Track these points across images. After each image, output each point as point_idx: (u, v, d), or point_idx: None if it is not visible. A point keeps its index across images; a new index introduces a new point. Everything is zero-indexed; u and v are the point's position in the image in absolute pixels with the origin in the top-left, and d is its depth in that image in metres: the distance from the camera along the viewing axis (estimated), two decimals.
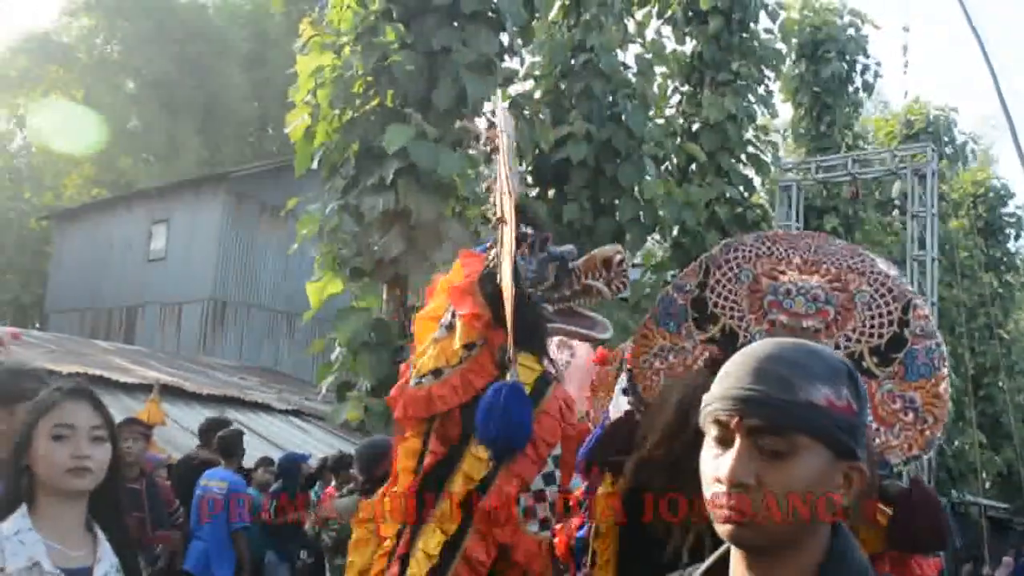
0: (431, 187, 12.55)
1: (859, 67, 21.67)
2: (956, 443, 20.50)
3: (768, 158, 18.13)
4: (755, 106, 18.41)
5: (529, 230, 3.19)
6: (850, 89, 21.50)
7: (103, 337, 19.77)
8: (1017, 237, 27.60)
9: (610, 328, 3.35)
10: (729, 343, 2.71)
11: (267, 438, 11.37)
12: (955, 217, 23.42)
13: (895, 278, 2.70)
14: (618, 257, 3.06)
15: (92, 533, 2.42)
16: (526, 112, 14.62)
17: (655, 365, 2.81)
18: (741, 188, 17.59)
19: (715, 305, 2.78)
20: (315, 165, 13.42)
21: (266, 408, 12.89)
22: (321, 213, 13.16)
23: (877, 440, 2.51)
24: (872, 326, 2.63)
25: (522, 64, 15.20)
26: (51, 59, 27.79)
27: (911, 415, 2.54)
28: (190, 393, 12.22)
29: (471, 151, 13.62)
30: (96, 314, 21.35)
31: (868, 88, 22.15)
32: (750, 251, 2.81)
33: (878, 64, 22.04)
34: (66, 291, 22.31)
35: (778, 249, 2.79)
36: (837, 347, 2.59)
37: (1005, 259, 26.09)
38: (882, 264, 2.73)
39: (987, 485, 23.32)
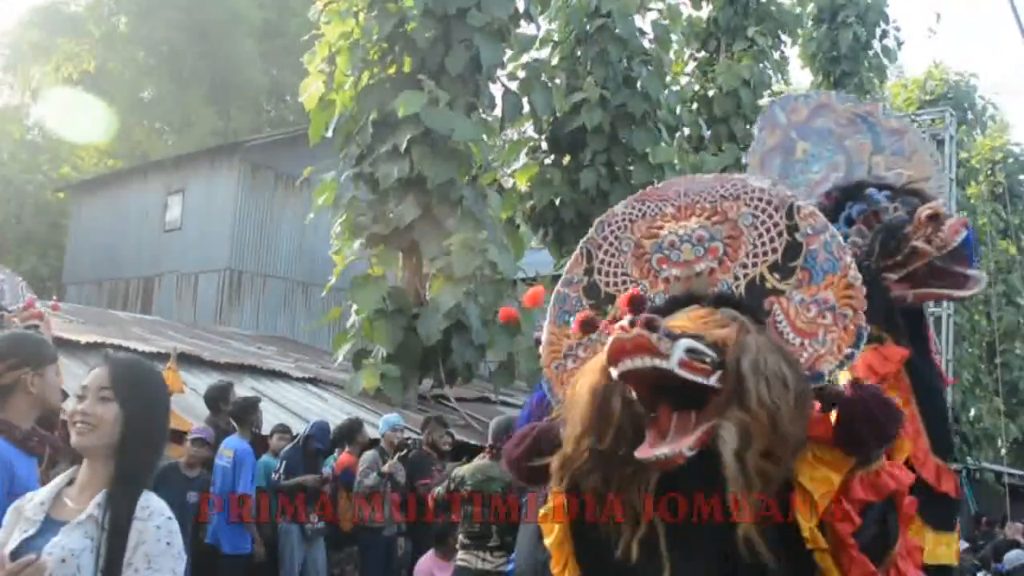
0: (445, 153, 12.53)
1: (879, 32, 21.45)
2: (972, 410, 20.45)
3: None
4: (770, 72, 18.26)
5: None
6: (869, 55, 21.28)
7: (120, 308, 19.88)
8: None
9: (983, 280, 3.24)
10: None
11: (284, 406, 11.41)
12: (973, 183, 23.21)
13: (769, 188, 2.56)
14: (944, 211, 2.95)
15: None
16: (543, 77, 14.55)
17: (568, 366, 2.68)
18: None
19: (607, 285, 2.67)
20: (329, 134, 13.41)
21: (283, 376, 12.93)
22: (336, 181, 13.17)
23: (804, 355, 2.39)
24: (763, 243, 2.51)
25: (538, 30, 15.11)
26: (61, 31, 27.77)
27: (829, 316, 2.42)
28: (207, 361, 12.26)
29: (484, 116, 13.59)
30: (113, 285, 21.45)
31: (888, 54, 21.92)
32: (623, 219, 2.69)
33: (897, 29, 21.83)
34: (83, 263, 22.41)
35: (649, 207, 2.67)
36: (736, 278, 2.50)
37: (1023, 226, 25.89)
38: (754, 181, 2.61)
39: (1004, 452, 23.28)
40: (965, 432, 19.94)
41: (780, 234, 2.51)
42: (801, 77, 23.16)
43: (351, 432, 9.43)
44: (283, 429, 9.40)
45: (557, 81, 15.41)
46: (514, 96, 13.93)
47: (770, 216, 2.53)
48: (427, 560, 8.22)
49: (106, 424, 2.48)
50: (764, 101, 18.45)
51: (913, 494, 2.45)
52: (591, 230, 2.74)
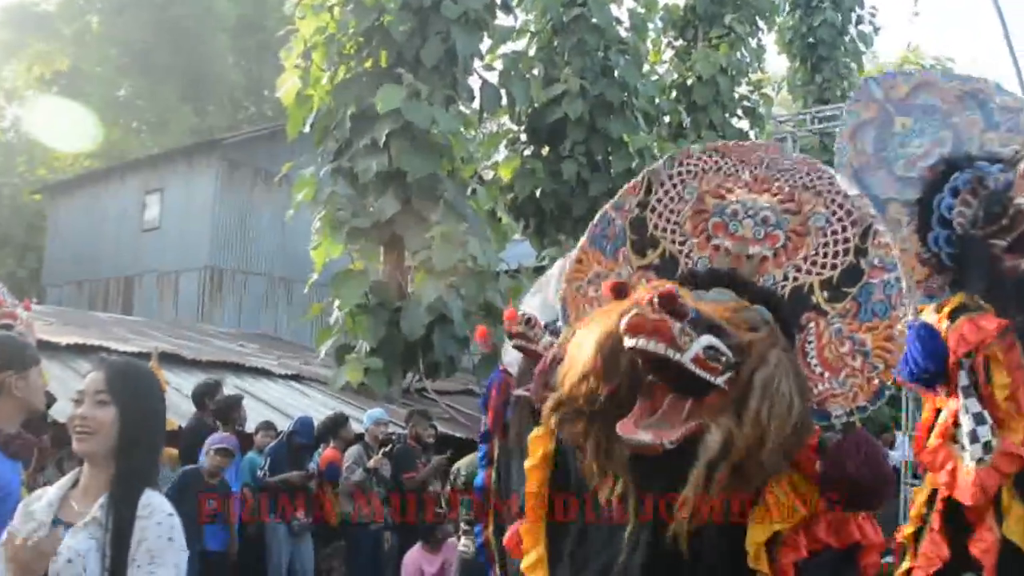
0: (424, 147, 12.49)
1: (854, 18, 21.51)
2: None
3: (763, 111, 18.04)
4: (748, 59, 18.29)
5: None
6: (845, 40, 21.33)
7: (100, 308, 19.75)
8: None
9: None
10: (669, 270, 2.46)
11: (268, 403, 11.35)
12: None
13: (855, 198, 2.38)
14: None
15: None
16: (520, 68, 14.52)
17: (589, 293, 2.53)
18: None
19: (656, 227, 2.49)
20: (307, 129, 13.36)
21: (266, 373, 12.87)
22: (315, 177, 13.11)
23: (819, 387, 2.25)
24: (826, 254, 2.34)
25: (515, 20, 15.09)
26: (32, 31, 27.52)
27: (859, 360, 2.25)
28: (189, 360, 12.19)
29: (463, 109, 13.57)
30: (93, 286, 21.31)
31: (864, 39, 21.97)
32: (697, 165, 2.50)
33: (873, 15, 21.89)
34: (62, 264, 22.25)
35: (727, 163, 2.48)
36: (785, 278, 2.34)
37: None
38: (843, 182, 2.42)
39: None
40: None
41: (847, 252, 2.34)
42: (778, 64, 23.22)
43: (335, 427, 9.41)
44: (268, 426, 9.37)
45: (535, 72, 15.39)
46: (492, 88, 13.90)
47: (844, 228, 2.36)
48: (414, 553, 8.20)
49: (105, 428, 2.55)
50: (742, 89, 18.50)
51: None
52: (660, 161, 2.58)
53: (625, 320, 2.03)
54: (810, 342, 2.31)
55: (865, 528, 2.23)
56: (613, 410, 2.16)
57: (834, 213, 2.37)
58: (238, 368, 12.70)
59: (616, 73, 15.37)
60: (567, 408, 2.22)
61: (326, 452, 9.24)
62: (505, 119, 16.61)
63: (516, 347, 4.18)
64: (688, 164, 2.52)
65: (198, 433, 8.40)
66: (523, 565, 2.44)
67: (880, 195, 3.38)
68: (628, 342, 2.04)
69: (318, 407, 11.45)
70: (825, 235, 2.36)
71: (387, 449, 9.23)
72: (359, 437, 9.53)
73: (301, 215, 13.91)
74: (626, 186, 2.57)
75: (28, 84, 27.76)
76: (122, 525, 2.49)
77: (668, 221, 2.50)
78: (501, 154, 16.26)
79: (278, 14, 22.10)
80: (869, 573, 2.27)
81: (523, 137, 15.97)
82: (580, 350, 2.20)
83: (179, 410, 9.44)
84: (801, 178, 2.43)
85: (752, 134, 18.81)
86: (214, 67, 27.96)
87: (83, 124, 25.31)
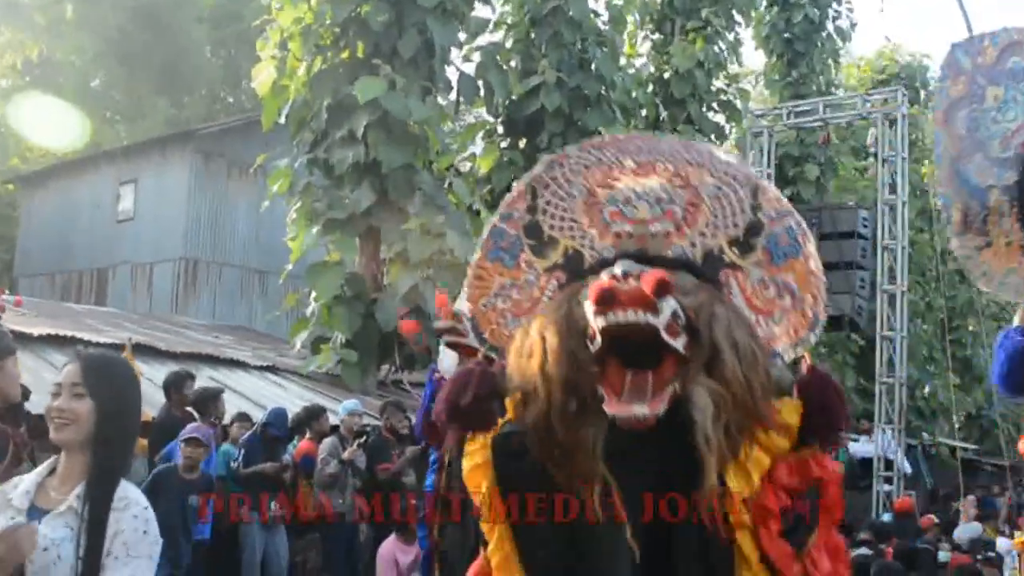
0: (401, 138, 12.46)
1: (831, 13, 21.59)
2: (928, 386, 20.75)
3: (739, 105, 18.10)
4: (725, 53, 18.33)
5: None
6: (822, 36, 21.41)
7: (74, 300, 19.60)
8: None
9: None
10: (575, 266, 2.47)
11: (243, 394, 11.31)
12: (927, 162, 23.48)
13: (737, 164, 2.47)
14: None
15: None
16: (497, 60, 14.50)
17: (499, 306, 2.54)
18: (712, 136, 17.55)
19: (551, 228, 2.50)
20: (283, 120, 13.28)
21: (241, 365, 12.81)
22: (291, 168, 13.06)
23: (760, 332, 2.31)
24: (725, 217, 2.41)
25: (492, 12, 15.06)
26: (4, 19, 27.22)
27: (788, 298, 2.37)
28: (164, 352, 12.13)
29: (440, 100, 13.54)
30: (66, 277, 21.13)
31: (841, 34, 22.06)
32: (578, 162, 2.52)
33: (850, 10, 21.98)
34: (35, 255, 22.05)
35: (607, 155, 2.51)
36: (693, 245, 2.39)
37: None
38: (720, 153, 2.49)
39: (958, 427, 23.66)
40: (920, 407, 20.25)
41: (743, 211, 2.43)
42: (754, 59, 23.28)
43: (310, 419, 9.39)
44: (243, 417, 9.34)
45: (512, 64, 15.37)
46: (469, 79, 13.88)
47: (735, 191, 2.44)
48: (389, 544, 8.21)
49: (82, 419, 2.58)
50: (719, 83, 18.54)
51: None
52: (538, 167, 2.58)
53: (594, 299, 2.06)
54: (735, 296, 2.39)
55: (824, 462, 2.27)
56: (574, 405, 2.17)
57: (722, 179, 2.44)
58: (213, 360, 12.64)
59: (593, 66, 15.38)
60: (542, 415, 2.20)
61: (301, 444, 9.22)
62: (482, 111, 16.58)
63: (448, 344, 4.08)
64: (568, 163, 2.54)
65: (166, 424, 8.36)
66: (492, 566, 2.37)
67: (980, 184, 3.25)
68: (600, 321, 2.06)
69: (293, 399, 11.42)
70: (719, 201, 2.42)
71: (362, 440, 9.21)
72: (334, 429, 9.51)
73: (276, 206, 13.84)
74: (507, 197, 2.57)
75: (1, 73, 27.44)
76: (98, 516, 2.51)
77: (563, 220, 2.51)
78: (478, 146, 16.24)
79: (256, 4, 21.96)
80: (833, 505, 2.31)
81: (500, 129, 15.95)
82: (534, 356, 2.21)
83: (153, 401, 9.36)
84: (682, 156, 2.48)
85: (728, 128, 18.87)
86: (191, 57, 27.74)
87: (57, 114, 25.06)
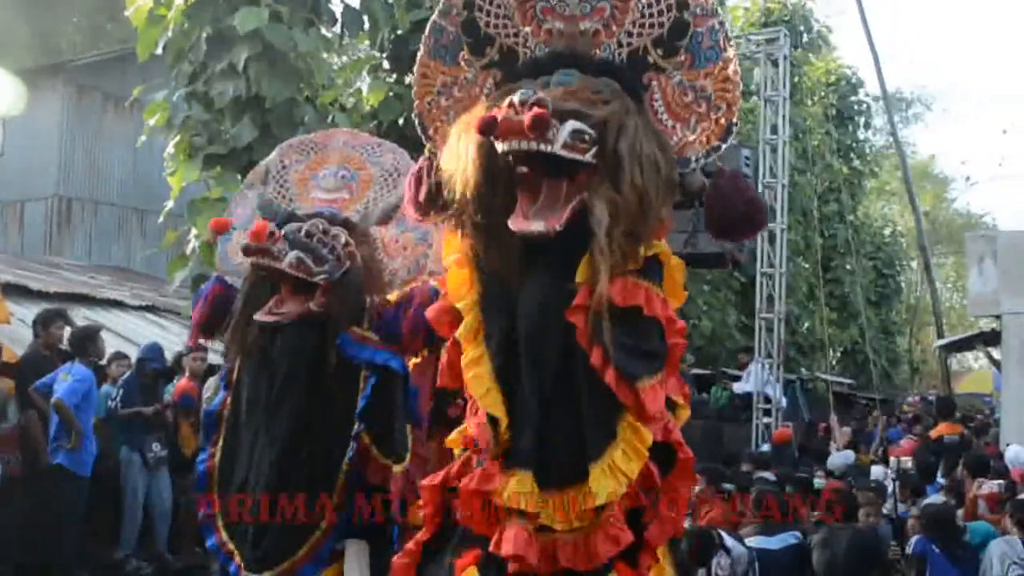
0: (284, 71, 12.13)
1: None
2: (807, 323, 21.43)
3: None
4: None
5: None
6: None
7: None
8: (867, 126, 28.58)
9: None
10: (509, 63, 2.55)
11: (122, 334, 11.00)
12: (809, 102, 24.02)
13: None
14: None
15: None
16: None
17: (442, 103, 2.63)
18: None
19: (487, 25, 2.57)
20: (160, 51, 12.78)
21: (119, 305, 12.45)
22: (168, 101, 12.60)
23: (675, 138, 2.45)
24: (651, 14, 2.47)
25: None
26: None
27: (704, 105, 2.44)
28: (36, 292, 11.68)
29: (325, 32, 13.22)
30: None
31: None
32: None
33: None
34: None
35: None
36: (620, 45, 2.47)
37: (854, 146, 26.98)
38: None
39: (834, 362, 24.55)
40: (800, 343, 20.92)
41: (669, 8, 2.47)
42: None
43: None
44: (120, 356, 9.11)
45: None
46: (354, 11, 13.55)
47: None
48: None
49: None
50: None
51: None
52: None
53: (480, 127, 2.19)
54: (657, 99, 2.48)
55: (648, 289, 2.37)
56: (501, 198, 2.34)
57: None
58: (89, 300, 12.26)
59: None
60: (465, 219, 2.39)
61: (180, 383, 9.03)
62: (366, 45, 16.23)
63: (257, 265, 3.92)
64: None
65: (33, 361, 8.10)
66: (465, 362, 2.48)
67: None
68: (500, 146, 2.20)
69: (173, 338, 11.18)
70: None
71: None
72: (213, 368, 9.33)
73: (154, 142, 13.36)
74: None
75: None
76: None
77: (498, 17, 2.56)
78: (365, 81, 15.90)
79: None
80: (675, 350, 2.45)
81: (386, 64, 15.65)
82: (458, 159, 2.34)
83: (24, 342, 9.06)
84: None
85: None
86: None
87: None
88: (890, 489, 8.42)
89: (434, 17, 2.62)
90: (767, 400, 14.60)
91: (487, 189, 2.31)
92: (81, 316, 10.99)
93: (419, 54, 2.66)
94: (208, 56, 12.23)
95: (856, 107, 27.07)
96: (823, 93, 25.67)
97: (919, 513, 7.45)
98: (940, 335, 25.65)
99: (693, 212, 15.09)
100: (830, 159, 23.35)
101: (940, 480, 9.42)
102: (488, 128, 2.18)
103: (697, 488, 8.00)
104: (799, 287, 20.56)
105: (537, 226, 2.22)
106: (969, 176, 73.06)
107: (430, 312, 2.63)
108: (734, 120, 2.44)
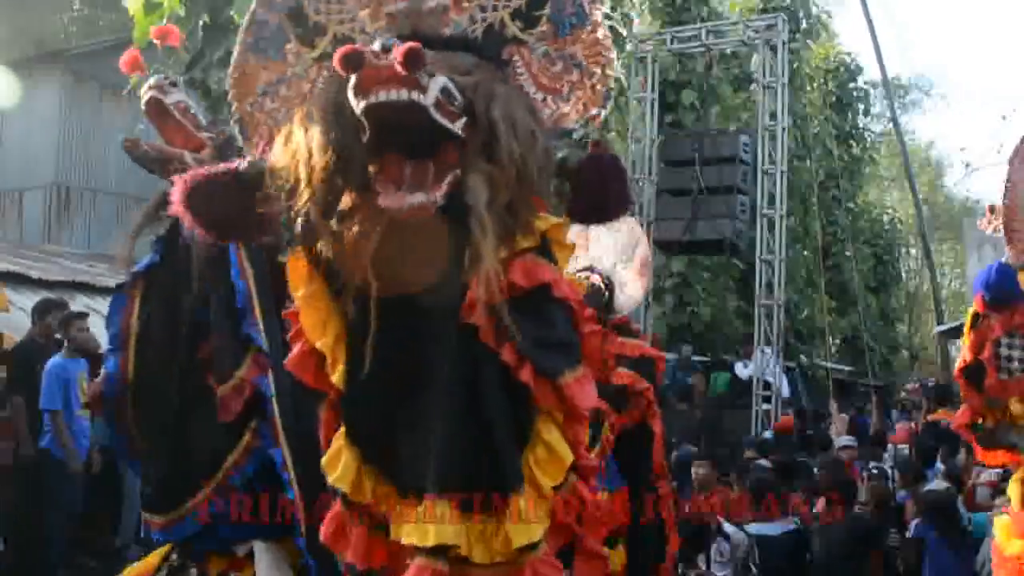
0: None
1: None
2: (807, 310, 21.41)
3: (623, 31, 18.05)
4: None
5: None
6: None
7: None
8: (866, 113, 28.51)
9: None
10: None
11: None
12: (808, 89, 23.97)
13: None
14: None
15: None
16: None
17: (267, 106, 2.37)
18: None
19: (317, 12, 2.31)
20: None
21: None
22: None
23: (547, 112, 2.24)
24: None
25: None
26: None
27: (576, 73, 2.26)
28: (36, 280, 11.68)
29: None
30: None
31: None
32: None
33: None
34: None
35: None
36: (474, 21, 2.25)
37: (854, 133, 26.93)
38: None
39: (833, 349, 24.54)
40: (800, 330, 20.90)
41: None
42: None
43: None
44: None
45: None
46: None
47: None
48: None
49: None
50: (604, 8, 18.44)
51: None
52: None
53: (354, 81, 1.89)
54: (521, 74, 2.28)
55: (550, 269, 2.17)
56: (352, 199, 2.04)
57: None
58: (88, 288, 12.25)
59: None
60: (310, 227, 2.05)
61: None
62: None
63: (135, 158, 3.56)
64: None
65: (26, 349, 8.09)
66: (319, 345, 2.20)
67: None
68: (362, 103, 1.91)
69: None
70: None
71: None
72: None
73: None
74: None
75: None
76: None
77: (328, 3, 2.32)
78: None
79: None
80: (582, 328, 2.24)
81: None
82: (299, 150, 2.04)
83: (22, 330, 9.07)
84: None
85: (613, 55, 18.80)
86: None
87: None
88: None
89: (253, 7, 2.36)
90: (767, 387, 14.59)
91: (337, 173, 2.00)
92: (81, 305, 10.98)
93: (234, 53, 2.40)
94: (205, 44, 12.25)
95: (855, 94, 26.99)
96: (822, 79, 25.61)
97: (920, 498, 7.46)
98: (940, 321, 25.66)
99: (692, 200, 15.22)
100: (829, 145, 23.30)
101: (939, 465, 9.43)
102: (353, 61, 1.86)
103: (701, 471, 8.04)
104: (798, 274, 20.54)
105: (415, 198, 1.93)
106: (969, 162, 72.79)
107: (289, 365, 2.28)
108: (611, 84, 2.25)
